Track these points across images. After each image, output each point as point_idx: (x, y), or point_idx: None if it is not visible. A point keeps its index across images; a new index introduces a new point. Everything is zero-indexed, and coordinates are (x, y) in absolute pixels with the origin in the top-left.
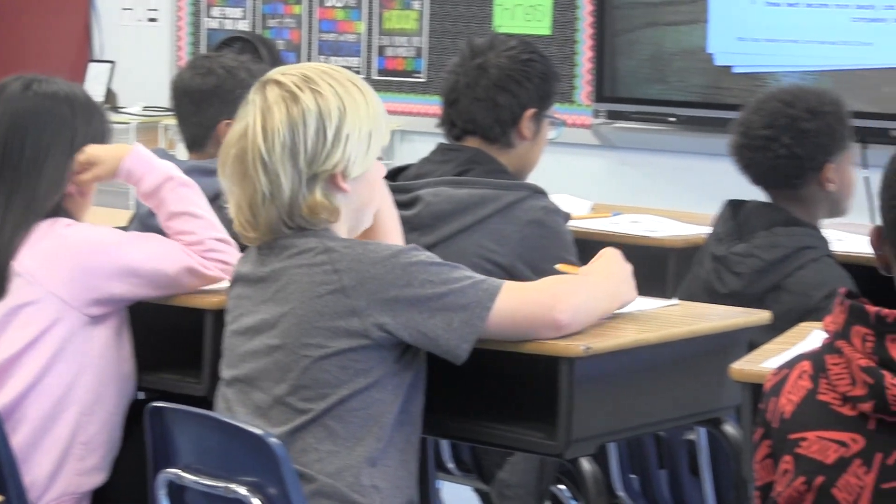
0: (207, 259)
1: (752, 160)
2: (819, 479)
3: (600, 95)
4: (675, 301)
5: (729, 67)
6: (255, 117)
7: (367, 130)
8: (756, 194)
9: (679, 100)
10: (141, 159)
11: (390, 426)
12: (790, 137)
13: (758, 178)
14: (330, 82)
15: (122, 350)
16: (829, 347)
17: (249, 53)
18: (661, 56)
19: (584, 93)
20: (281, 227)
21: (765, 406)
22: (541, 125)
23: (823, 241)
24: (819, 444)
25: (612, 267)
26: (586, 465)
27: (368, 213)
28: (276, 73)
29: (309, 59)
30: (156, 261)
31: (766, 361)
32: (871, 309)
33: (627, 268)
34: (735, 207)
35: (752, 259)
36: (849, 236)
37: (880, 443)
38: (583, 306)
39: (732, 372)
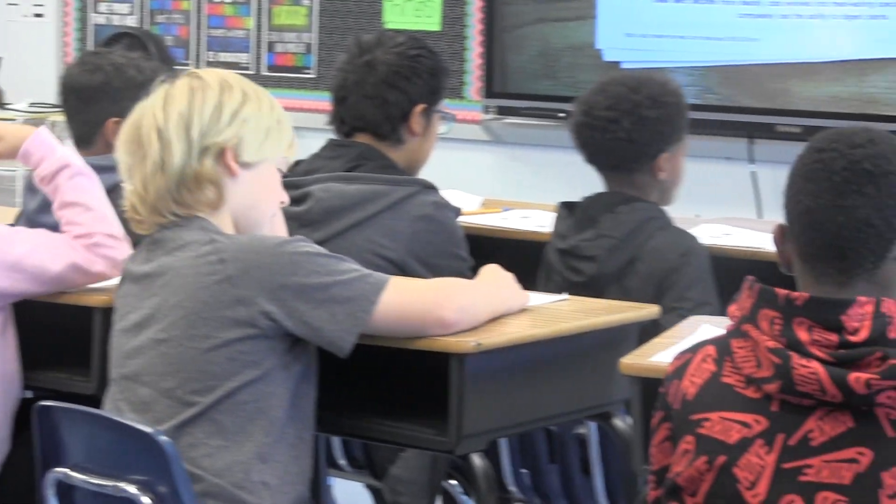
0: (94, 254)
1: (590, 139)
2: (721, 459)
3: (490, 91)
4: (564, 296)
5: (617, 63)
6: (158, 95)
7: (265, 125)
8: None
9: (568, 95)
10: (42, 142)
11: (281, 421)
12: (630, 122)
13: (593, 157)
14: (241, 82)
15: (6, 349)
16: (735, 332)
17: (138, 50)
18: (550, 52)
19: (474, 88)
20: (169, 205)
21: (666, 389)
22: (431, 121)
23: (664, 213)
24: (722, 425)
25: (497, 274)
26: (477, 460)
27: (258, 215)
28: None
29: (198, 56)
30: (40, 256)
31: (655, 355)
32: (781, 292)
33: (511, 276)
34: (569, 207)
35: (604, 239)
36: (735, 230)
37: (783, 424)
38: (470, 305)
39: (622, 366)
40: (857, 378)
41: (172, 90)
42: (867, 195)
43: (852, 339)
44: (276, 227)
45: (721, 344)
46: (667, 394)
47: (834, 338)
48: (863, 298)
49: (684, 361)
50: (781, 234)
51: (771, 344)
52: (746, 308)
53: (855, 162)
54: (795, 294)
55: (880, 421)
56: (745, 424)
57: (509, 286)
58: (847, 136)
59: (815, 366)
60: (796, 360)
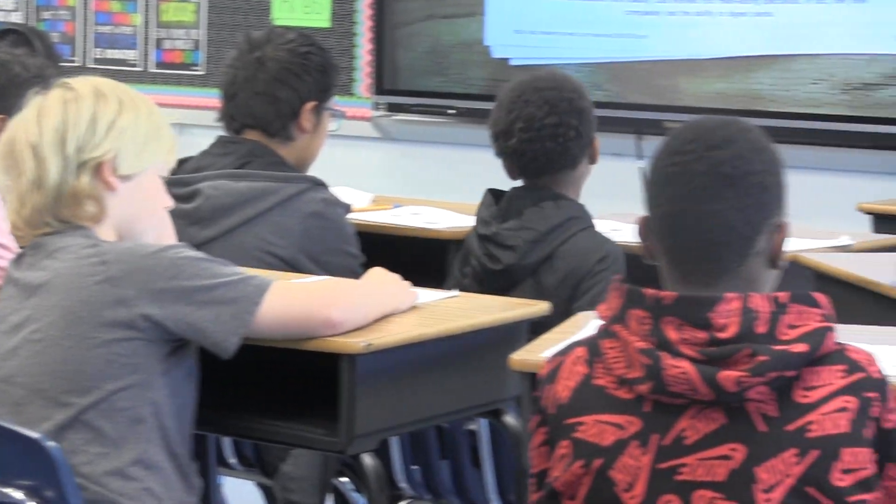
0: None
1: (539, 152)
2: (597, 462)
3: (380, 88)
4: (455, 293)
5: (506, 60)
6: (31, 109)
7: (143, 133)
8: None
9: (458, 92)
10: None
11: (162, 426)
12: (575, 119)
13: (537, 168)
14: (116, 90)
15: None
16: (604, 332)
17: (23, 46)
18: (439, 48)
19: (364, 85)
20: (47, 219)
21: (540, 393)
22: (321, 118)
23: (588, 215)
24: (596, 428)
25: (383, 276)
26: (368, 459)
27: (142, 225)
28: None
29: (84, 52)
30: None
31: (545, 351)
32: (649, 292)
33: (397, 276)
34: (496, 195)
35: (526, 231)
36: (624, 226)
37: (656, 424)
38: (357, 305)
39: (512, 362)
40: (726, 376)
41: (45, 103)
42: (728, 199)
43: (721, 336)
44: (164, 235)
45: (591, 345)
46: (541, 398)
47: (703, 336)
48: (730, 295)
49: (556, 365)
50: (645, 227)
51: (640, 344)
52: (615, 308)
53: (714, 166)
54: (663, 293)
55: (751, 416)
56: (619, 426)
57: (396, 285)
58: (705, 135)
59: (686, 365)
60: (666, 360)
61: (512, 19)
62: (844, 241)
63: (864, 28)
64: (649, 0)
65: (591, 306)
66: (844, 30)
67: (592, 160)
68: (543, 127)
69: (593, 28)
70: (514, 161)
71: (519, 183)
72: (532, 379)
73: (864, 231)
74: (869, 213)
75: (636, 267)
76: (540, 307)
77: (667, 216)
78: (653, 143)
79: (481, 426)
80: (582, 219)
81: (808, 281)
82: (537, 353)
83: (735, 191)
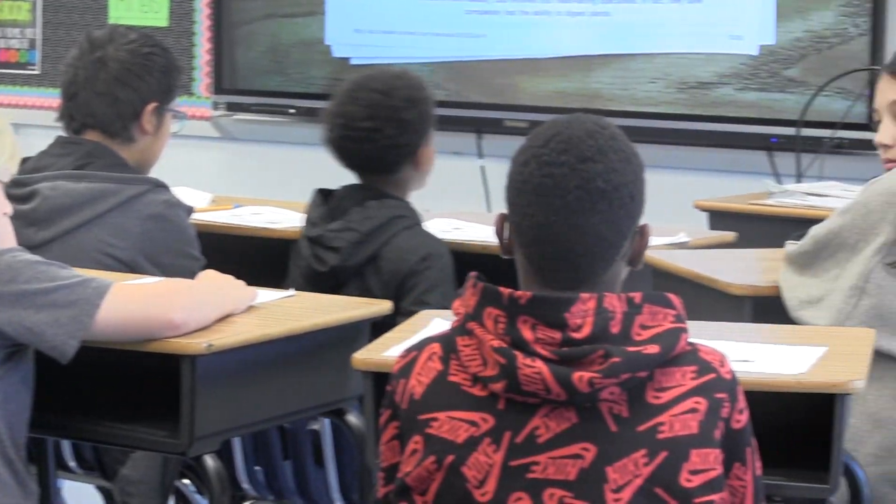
0: None
1: (354, 150)
2: (449, 458)
3: (219, 87)
4: (292, 292)
5: (347, 59)
6: None
7: None
8: None
9: (298, 91)
10: None
11: None
12: (393, 128)
13: (359, 165)
14: None
15: None
16: (460, 329)
17: None
18: (279, 48)
19: (204, 85)
20: None
21: (393, 388)
22: (163, 119)
23: (414, 212)
24: (450, 424)
25: (217, 277)
26: (210, 461)
27: None
28: None
29: None
30: None
31: (387, 350)
32: (505, 291)
33: (230, 277)
34: (325, 194)
35: (349, 233)
36: (465, 224)
37: (509, 422)
38: (198, 306)
39: (354, 361)
40: (580, 377)
41: None
42: (601, 212)
43: (575, 336)
44: (2, 240)
45: (446, 341)
46: (394, 392)
47: (557, 335)
48: (585, 295)
49: (410, 359)
50: (502, 223)
51: (495, 343)
52: (471, 306)
53: (588, 180)
54: (519, 293)
55: (603, 416)
56: (472, 423)
57: (232, 285)
58: (575, 146)
59: (540, 365)
60: (521, 359)
61: (352, 18)
62: (682, 238)
63: (700, 27)
64: (488, 0)
65: (415, 305)
66: (681, 29)
67: (418, 168)
68: (359, 129)
69: (433, 27)
70: (333, 153)
71: (353, 181)
72: (374, 378)
73: (701, 228)
74: (705, 211)
75: (476, 265)
76: (382, 306)
77: (536, 227)
78: (493, 142)
79: (324, 426)
80: (406, 217)
81: (648, 278)
82: (380, 352)
83: (608, 204)
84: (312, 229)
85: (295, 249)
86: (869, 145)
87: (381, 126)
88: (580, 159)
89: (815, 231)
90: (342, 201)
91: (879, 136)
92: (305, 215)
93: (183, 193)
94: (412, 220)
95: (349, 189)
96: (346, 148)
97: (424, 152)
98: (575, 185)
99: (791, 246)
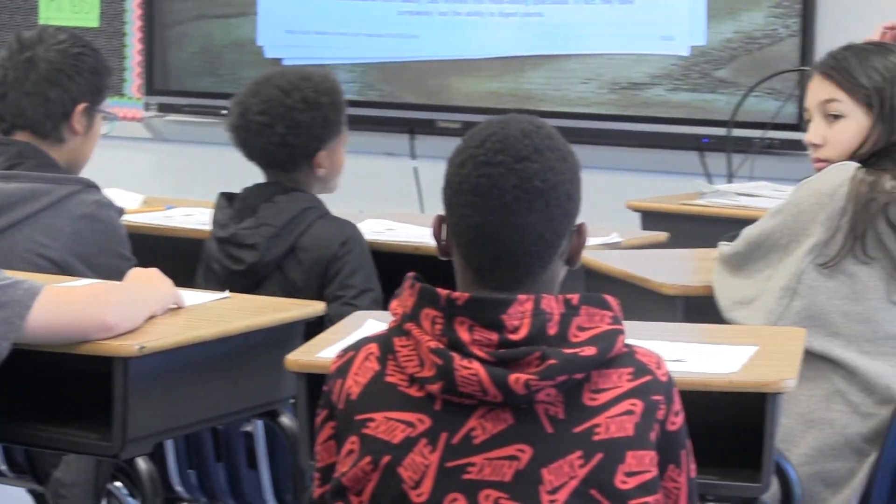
0: None
1: (246, 141)
2: (385, 459)
3: (151, 88)
4: (226, 294)
5: (279, 60)
6: None
7: None
8: None
9: (231, 92)
10: None
11: None
12: (284, 127)
13: (251, 157)
14: None
15: None
16: (397, 330)
17: None
18: (211, 48)
19: (135, 86)
20: None
21: (329, 388)
22: (93, 120)
23: (321, 203)
24: (386, 425)
25: (145, 275)
26: (142, 464)
27: None
28: None
29: None
30: None
31: (320, 352)
32: (442, 292)
33: (156, 272)
34: (228, 197)
35: (264, 228)
36: (398, 225)
37: (446, 423)
38: (129, 307)
39: (287, 363)
40: (516, 379)
41: None
42: (538, 211)
43: (512, 337)
44: None
45: (384, 342)
46: (331, 392)
47: (494, 337)
48: (523, 297)
49: (347, 359)
50: (440, 224)
51: (432, 344)
52: (408, 306)
53: (525, 180)
54: (457, 294)
55: (540, 418)
56: (409, 424)
57: (161, 284)
58: (512, 145)
59: (476, 366)
60: (458, 360)
61: (284, 19)
62: (614, 238)
63: (632, 29)
64: (421, 1)
65: (341, 290)
66: (613, 30)
67: (316, 172)
68: (253, 121)
69: (366, 28)
70: (231, 138)
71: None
72: (308, 379)
73: (633, 228)
74: (637, 211)
75: (409, 266)
76: (315, 307)
77: (474, 227)
78: (426, 142)
79: (257, 427)
80: (317, 208)
81: (580, 279)
82: (313, 353)
83: (545, 203)
84: (222, 230)
85: (202, 256)
86: (799, 145)
87: (273, 122)
88: (517, 159)
89: (747, 232)
90: (248, 200)
91: (809, 136)
92: (212, 218)
93: (114, 195)
94: (322, 209)
95: (254, 188)
96: (240, 137)
97: (324, 158)
98: (512, 184)
99: (724, 247)
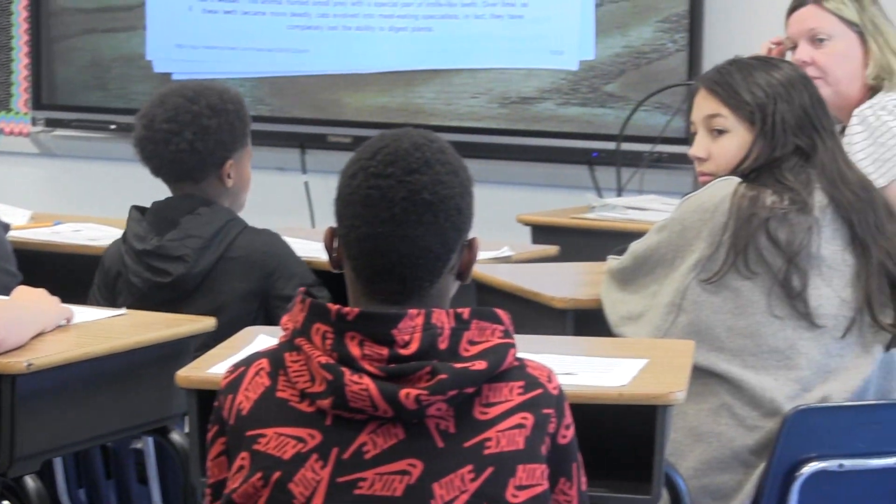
0: None
1: (154, 152)
2: (276, 475)
3: (38, 103)
4: (123, 311)
5: (169, 74)
6: None
7: None
8: None
9: (119, 107)
10: None
11: None
12: (192, 133)
13: (158, 170)
14: None
15: None
16: (288, 345)
17: None
18: (100, 63)
19: (22, 100)
20: None
21: (220, 404)
22: None
23: (240, 217)
24: (277, 441)
25: (31, 293)
26: (30, 482)
27: None
28: None
29: None
30: None
31: (211, 367)
32: (333, 307)
33: (44, 291)
34: (141, 210)
35: (192, 239)
36: (290, 240)
37: (337, 438)
38: (16, 323)
39: (178, 379)
40: (407, 394)
41: None
42: (427, 224)
43: (403, 352)
44: None
45: (275, 357)
46: (221, 408)
47: (385, 352)
48: (413, 311)
49: (238, 375)
50: (331, 237)
51: (323, 359)
52: (299, 321)
53: (414, 192)
54: (347, 309)
55: (431, 432)
56: (299, 439)
57: (46, 300)
58: (402, 158)
59: (367, 381)
60: (348, 376)
61: (173, 33)
62: (505, 252)
63: (522, 43)
64: (310, 15)
65: (290, 290)
66: (502, 45)
67: (224, 183)
68: (159, 130)
69: (255, 42)
70: (137, 155)
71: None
72: (198, 395)
73: (523, 242)
74: (528, 225)
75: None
76: (206, 323)
77: (363, 238)
78: (317, 157)
79: (147, 444)
80: (238, 220)
81: (471, 293)
82: (203, 369)
83: (434, 216)
84: (142, 243)
85: (107, 270)
86: (687, 159)
87: (180, 129)
88: (407, 171)
89: (634, 247)
90: (165, 213)
91: (694, 150)
92: (125, 231)
93: (1, 211)
94: (242, 221)
95: (170, 201)
96: (146, 149)
97: (232, 167)
98: (401, 196)
99: (612, 261)
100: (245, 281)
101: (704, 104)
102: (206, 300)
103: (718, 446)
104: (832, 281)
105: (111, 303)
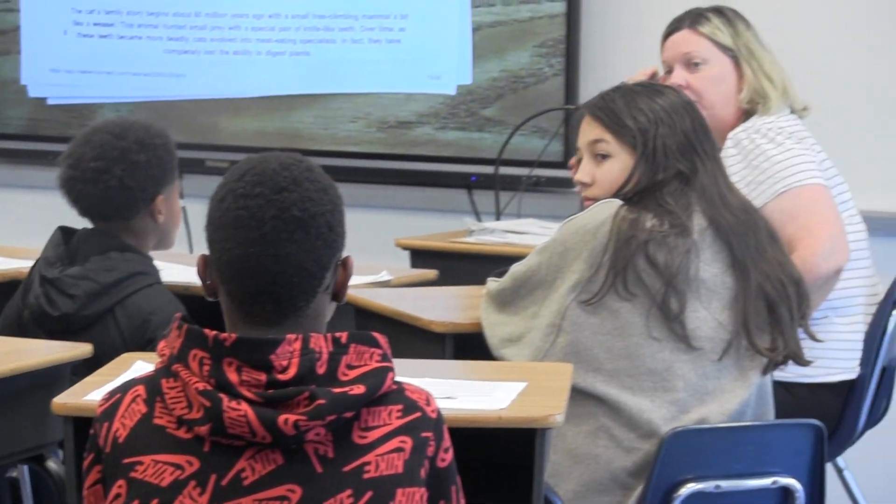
0: None
1: (82, 192)
2: (153, 502)
3: None
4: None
5: (44, 99)
6: None
7: None
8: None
9: None
10: None
11: None
12: (121, 169)
13: (88, 209)
14: None
15: None
16: (164, 371)
17: None
18: None
19: None
20: None
21: (96, 431)
22: None
23: (155, 270)
24: (154, 468)
25: None
26: None
27: None
28: None
29: None
30: None
31: (88, 394)
32: (210, 333)
33: None
34: (67, 233)
35: (87, 282)
36: (168, 265)
37: (215, 464)
38: None
39: (54, 406)
40: (285, 420)
41: None
42: (298, 241)
43: (281, 377)
44: None
45: (151, 384)
46: (97, 436)
47: (263, 377)
48: (291, 336)
49: (114, 402)
50: (205, 265)
51: (200, 385)
52: (176, 348)
53: (284, 210)
54: (224, 335)
55: (309, 457)
56: (177, 466)
57: None
58: (271, 177)
59: (245, 407)
60: (226, 402)
61: (48, 58)
62: (384, 276)
63: (400, 67)
64: (187, 39)
65: None
66: (380, 69)
67: (156, 219)
68: (87, 169)
69: (132, 67)
70: (64, 197)
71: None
72: (75, 422)
73: (403, 266)
74: (407, 249)
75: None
76: (83, 349)
77: (235, 260)
78: (195, 182)
79: (23, 472)
80: (148, 275)
81: (350, 318)
82: (80, 396)
83: (305, 233)
84: (50, 269)
85: (23, 285)
86: (565, 182)
87: (110, 166)
88: (275, 190)
89: (514, 269)
90: (82, 245)
91: (578, 175)
92: (43, 251)
93: None
94: (153, 278)
95: (92, 233)
96: (74, 189)
97: (163, 203)
98: (271, 215)
99: (492, 283)
100: (125, 340)
101: (588, 130)
102: (95, 345)
103: (597, 468)
104: (710, 304)
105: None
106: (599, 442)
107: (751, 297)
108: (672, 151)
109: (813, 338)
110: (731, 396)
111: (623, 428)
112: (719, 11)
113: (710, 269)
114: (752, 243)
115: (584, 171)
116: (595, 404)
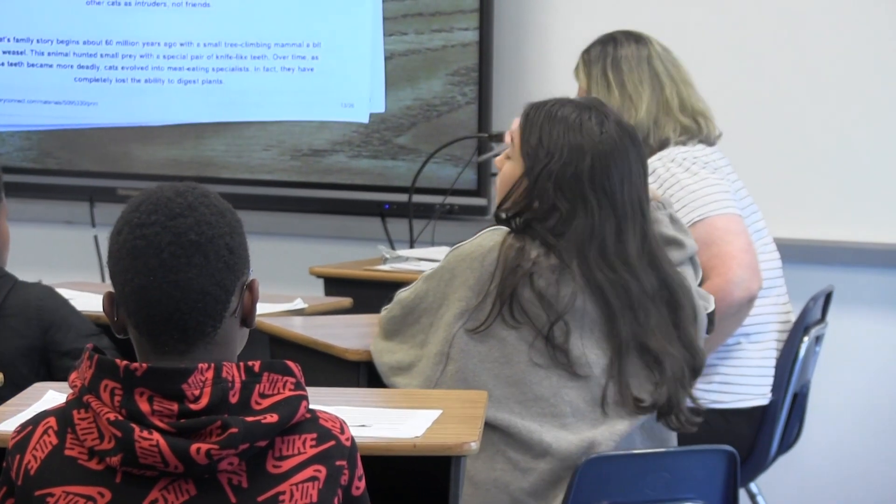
0: None
1: None
2: None
3: None
4: None
5: None
6: None
7: None
8: None
9: None
10: None
11: None
12: None
13: None
14: None
15: None
16: (76, 402)
17: None
18: None
19: None
20: None
21: (8, 464)
22: None
23: (7, 272)
24: (66, 500)
25: None
26: None
27: None
28: None
29: None
30: None
31: (0, 425)
32: (121, 363)
33: None
34: None
35: None
36: (79, 295)
37: (127, 496)
38: None
39: None
40: (197, 449)
41: None
42: (198, 265)
43: (194, 407)
44: None
45: (62, 415)
46: (10, 468)
47: (174, 407)
48: (203, 365)
49: (26, 434)
50: (111, 302)
51: (112, 416)
52: (87, 378)
53: (180, 234)
54: (135, 365)
55: (223, 487)
56: (89, 498)
57: None
58: (165, 205)
59: (157, 437)
60: (138, 432)
61: None
62: (298, 304)
63: (313, 96)
64: (98, 67)
65: (72, 343)
66: (293, 98)
67: None
68: None
69: (41, 95)
70: None
71: None
72: None
73: (317, 294)
74: (321, 277)
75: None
76: None
77: (137, 290)
78: (107, 210)
79: None
80: (8, 275)
81: (265, 346)
82: None
83: (204, 257)
84: None
85: None
86: (478, 210)
87: None
88: (170, 216)
89: (401, 296)
90: None
91: (497, 159)
92: None
93: None
94: (12, 276)
95: None
96: None
97: None
98: (167, 241)
99: (384, 311)
100: (23, 337)
101: (515, 124)
102: None
103: (497, 492)
104: (594, 332)
105: None
106: (497, 465)
107: (626, 352)
108: (553, 185)
109: (696, 409)
110: (620, 420)
111: (517, 451)
112: (587, 51)
113: (591, 301)
114: (625, 300)
115: (500, 159)
116: (489, 429)
